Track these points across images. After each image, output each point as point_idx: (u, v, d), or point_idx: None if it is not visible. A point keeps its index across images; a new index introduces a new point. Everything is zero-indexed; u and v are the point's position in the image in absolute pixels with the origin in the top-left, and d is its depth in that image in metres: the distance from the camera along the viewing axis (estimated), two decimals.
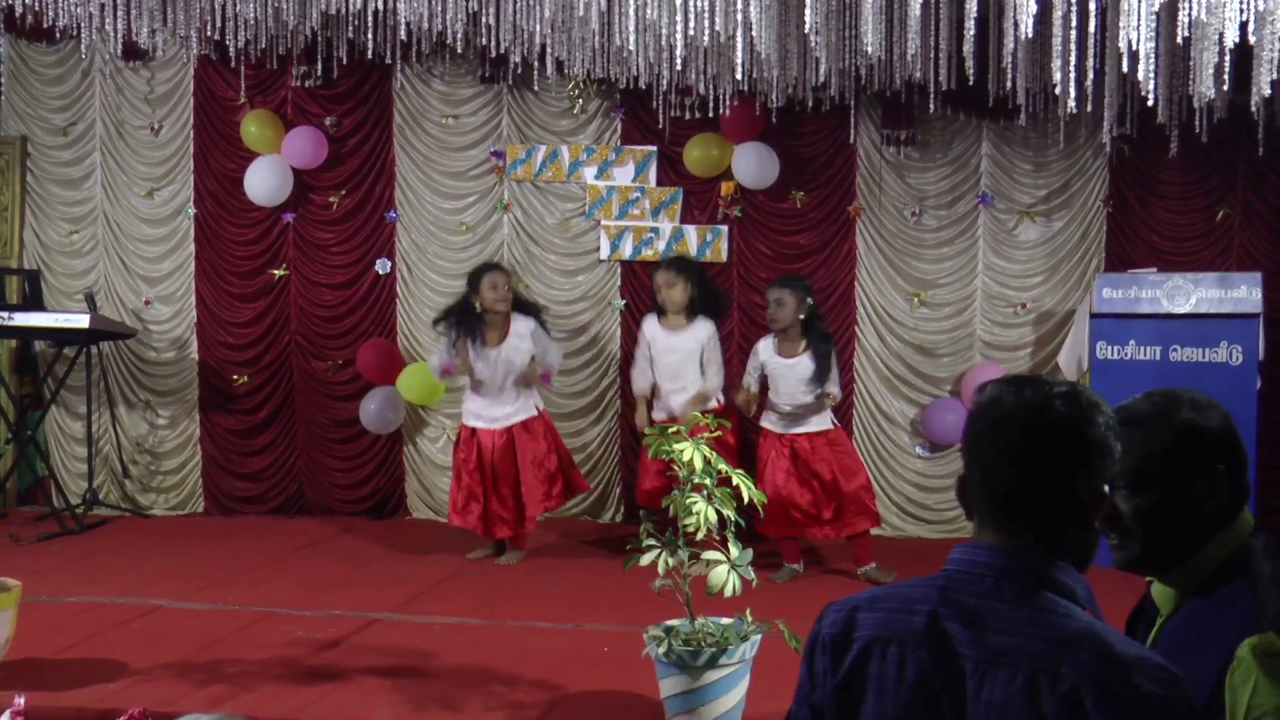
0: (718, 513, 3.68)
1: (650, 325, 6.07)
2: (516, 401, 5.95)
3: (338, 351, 7.16)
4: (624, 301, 7.03)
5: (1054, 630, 1.46)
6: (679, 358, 5.95)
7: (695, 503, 3.65)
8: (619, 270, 7.03)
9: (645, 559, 3.75)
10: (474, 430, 6.02)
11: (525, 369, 5.91)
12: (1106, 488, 1.55)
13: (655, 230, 6.92)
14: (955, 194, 6.75)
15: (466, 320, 5.91)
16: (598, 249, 6.97)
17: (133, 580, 5.70)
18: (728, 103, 5.81)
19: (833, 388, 5.60)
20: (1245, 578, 1.76)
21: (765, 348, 5.75)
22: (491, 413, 5.97)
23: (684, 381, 5.93)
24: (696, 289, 5.97)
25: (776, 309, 5.63)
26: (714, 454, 3.82)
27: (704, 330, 5.99)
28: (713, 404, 5.95)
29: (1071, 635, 1.46)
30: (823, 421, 5.63)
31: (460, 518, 6.00)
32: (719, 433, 4.43)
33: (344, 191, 7.14)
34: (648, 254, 6.92)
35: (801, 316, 5.60)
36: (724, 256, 6.87)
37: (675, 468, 3.76)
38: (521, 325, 5.93)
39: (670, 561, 3.71)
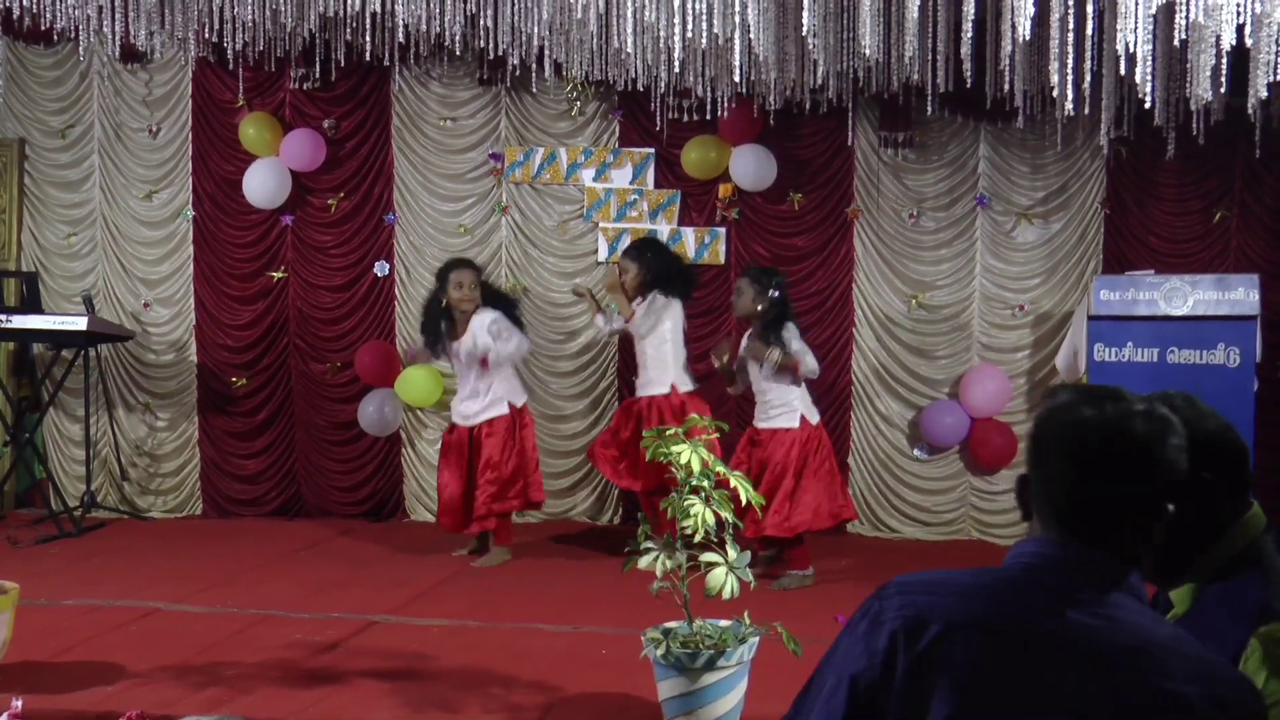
0: (715, 515, 3.67)
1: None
2: (485, 398, 5.94)
3: (336, 354, 7.17)
4: None
5: (1137, 633, 1.48)
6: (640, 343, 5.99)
7: (693, 505, 3.65)
8: (617, 272, 7.01)
9: (643, 561, 3.74)
10: (453, 426, 6.10)
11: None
12: (1170, 506, 1.57)
13: (653, 232, 6.90)
14: (953, 196, 6.75)
15: (433, 317, 5.97)
16: (596, 251, 6.97)
17: (131, 583, 5.69)
18: (726, 105, 5.80)
19: (789, 352, 5.45)
20: (1257, 570, 1.79)
21: (746, 338, 5.76)
22: (462, 409, 6.03)
23: (643, 360, 5.95)
24: (649, 270, 5.92)
25: (736, 298, 5.70)
26: (712, 456, 3.81)
27: (657, 303, 5.91)
28: (669, 384, 5.89)
29: (1157, 639, 1.47)
30: (789, 419, 5.54)
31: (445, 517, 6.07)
32: (716, 434, 4.39)
33: (342, 194, 7.14)
34: None
35: (760, 308, 5.55)
36: (722, 259, 6.87)
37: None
38: (480, 320, 5.90)
39: (668, 564, 3.71)
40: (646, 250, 6.06)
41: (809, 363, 5.51)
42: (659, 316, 5.92)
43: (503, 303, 6.09)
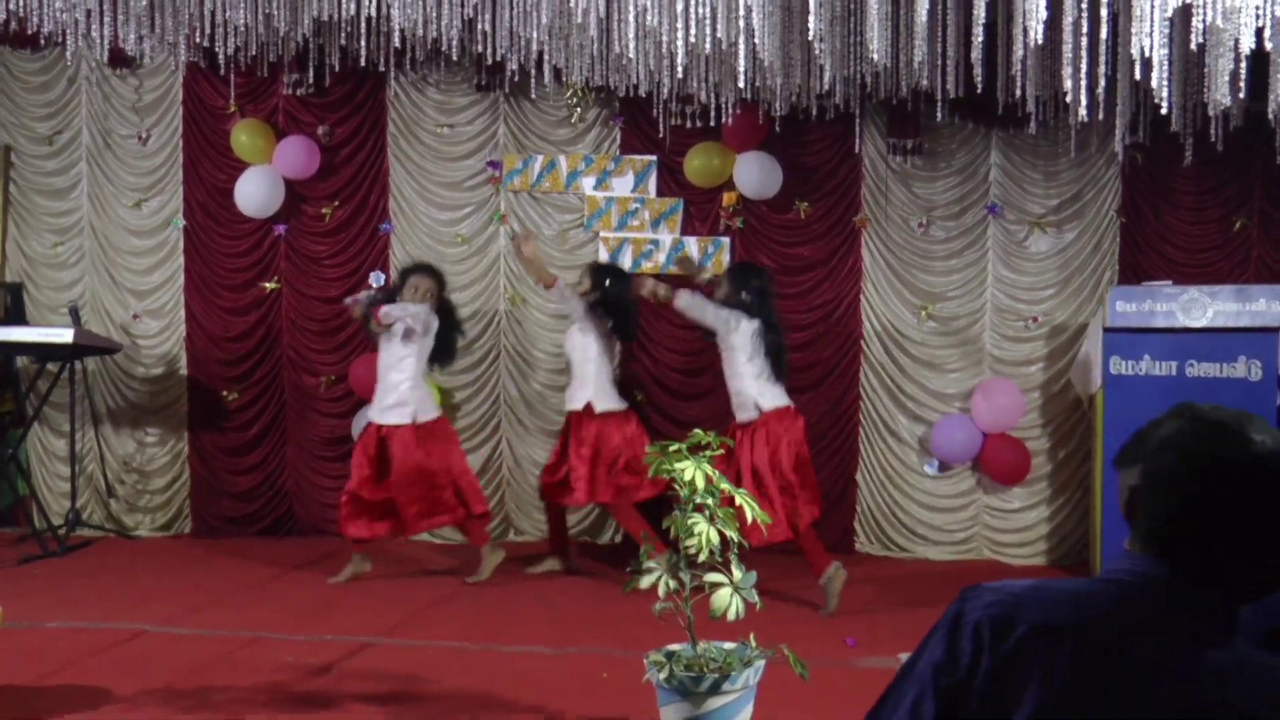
0: (720, 534, 3.65)
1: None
2: (393, 395, 5.97)
3: (330, 367, 7.16)
4: None
5: (1236, 655, 1.48)
6: (578, 355, 6.07)
7: (697, 524, 3.63)
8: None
9: (645, 581, 3.73)
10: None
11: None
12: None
13: (655, 242, 6.93)
14: (964, 204, 6.77)
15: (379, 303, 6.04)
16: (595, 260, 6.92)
17: (117, 604, 5.68)
18: (729, 111, 5.83)
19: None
20: None
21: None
22: (377, 402, 6.05)
23: (579, 375, 6.03)
24: (602, 293, 6.04)
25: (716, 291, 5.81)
26: (716, 473, 3.79)
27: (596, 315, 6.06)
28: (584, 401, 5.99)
29: (1258, 661, 1.48)
30: (745, 413, 5.58)
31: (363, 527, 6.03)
32: (721, 450, 4.40)
33: (337, 202, 7.15)
34: (647, 266, 6.91)
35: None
36: (725, 269, 6.84)
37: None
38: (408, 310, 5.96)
39: (671, 584, 3.69)
40: (614, 275, 6.16)
41: (684, 296, 5.61)
42: (595, 332, 6.03)
43: (448, 318, 6.15)
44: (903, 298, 6.82)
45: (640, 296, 5.93)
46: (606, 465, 5.93)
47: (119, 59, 6.95)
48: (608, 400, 6.03)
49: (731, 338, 5.60)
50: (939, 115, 5.60)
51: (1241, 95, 4.26)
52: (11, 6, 5.26)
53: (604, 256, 6.96)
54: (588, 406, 5.99)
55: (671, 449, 3.83)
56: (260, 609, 5.63)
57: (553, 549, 6.33)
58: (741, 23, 4.28)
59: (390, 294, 6.12)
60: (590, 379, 6.03)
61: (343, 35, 5.78)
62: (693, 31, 4.28)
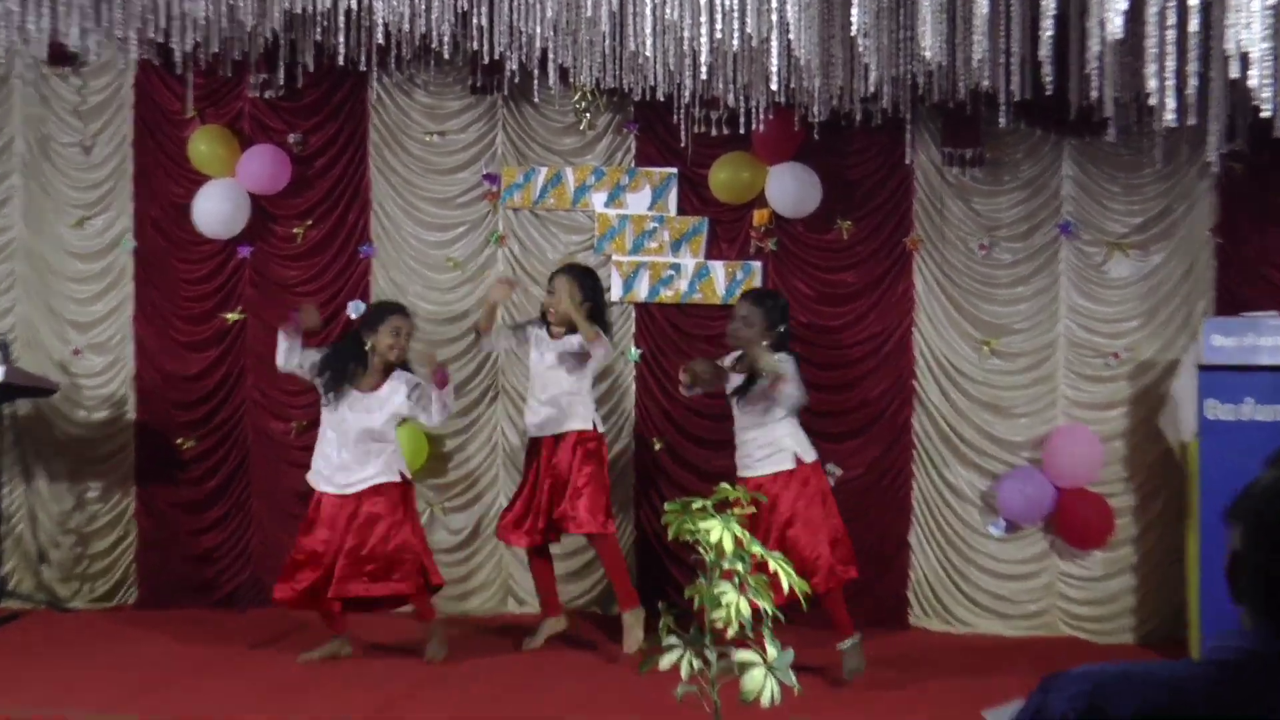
0: (752, 605, 3.62)
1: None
2: (377, 461, 5.98)
3: (302, 410, 7.05)
4: (640, 351, 7.04)
5: None
6: (549, 367, 6.16)
7: (725, 593, 3.60)
8: (633, 314, 7.04)
9: (665, 661, 3.69)
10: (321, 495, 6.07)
11: (421, 369, 6.06)
12: None
13: (676, 267, 6.93)
14: (1032, 223, 6.75)
15: (345, 357, 5.99)
16: (608, 290, 6.88)
17: (48, 687, 5.63)
18: (761, 117, 5.83)
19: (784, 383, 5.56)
20: None
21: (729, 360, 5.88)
22: (338, 478, 6.01)
23: (551, 393, 6.13)
24: (588, 299, 6.12)
25: (742, 326, 5.74)
26: (747, 535, 3.76)
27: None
28: (577, 425, 6.13)
29: None
30: (781, 460, 5.68)
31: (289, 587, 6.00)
32: (753, 508, 4.38)
33: (310, 221, 7.15)
34: (667, 295, 6.95)
35: (766, 344, 5.66)
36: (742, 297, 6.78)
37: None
38: (399, 380, 6.00)
39: (696, 664, 3.65)
40: (588, 278, 6.24)
41: (789, 389, 5.56)
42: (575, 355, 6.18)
43: (408, 368, 6.17)
44: (961, 330, 6.80)
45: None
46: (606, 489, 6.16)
47: (59, 56, 6.91)
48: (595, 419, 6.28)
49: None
50: (1002, 120, 5.58)
51: None
52: None
53: (617, 281, 6.98)
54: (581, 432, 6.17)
55: (695, 506, 3.79)
56: (216, 691, 5.58)
57: (546, 610, 6.34)
58: (774, 16, 4.28)
59: (356, 336, 6.06)
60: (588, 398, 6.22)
61: (318, 30, 5.74)
62: (718, 26, 4.30)
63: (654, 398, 7.00)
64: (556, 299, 6.09)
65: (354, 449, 5.95)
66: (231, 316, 7.21)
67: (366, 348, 5.97)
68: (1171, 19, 3.86)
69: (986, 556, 6.80)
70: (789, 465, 5.68)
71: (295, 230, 7.15)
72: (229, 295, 7.23)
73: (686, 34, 4.43)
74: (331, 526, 5.95)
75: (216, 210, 7.01)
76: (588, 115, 7.00)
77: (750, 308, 5.76)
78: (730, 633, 3.61)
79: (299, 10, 5.33)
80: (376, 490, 5.96)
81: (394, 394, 5.97)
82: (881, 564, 6.69)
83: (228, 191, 7.03)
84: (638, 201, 6.96)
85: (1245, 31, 3.63)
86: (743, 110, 5.79)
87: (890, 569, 6.81)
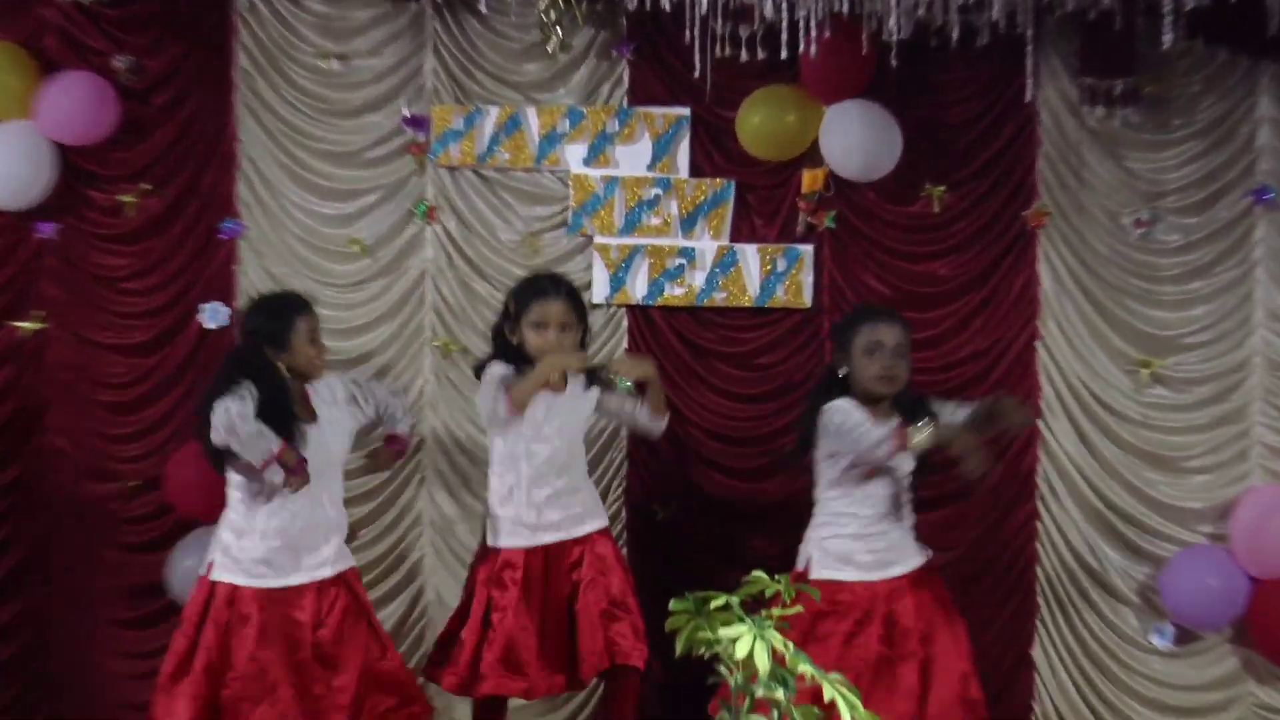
0: None
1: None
2: (339, 534, 5.66)
3: (131, 464, 6.62)
4: (631, 383, 6.67)
5: None
6: (565, 441, 5.79)
7: None
8: (624, 321, 6.63)
9: None
10: (267, 594, 5.49)
11: (368, 457, 5.87)
12: None
13: (688, 253, 6.46)
14: (1212, 188, 6.38)
15: (275, 391, 5.49)
16: (589, 285, 6.50)
17: None
18: (814, 33, 5.49)
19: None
20: None
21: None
22: (303, 558, 5.54)
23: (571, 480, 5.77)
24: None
25: (895, 361, 5.42)
26: (788, 645, 3.30)
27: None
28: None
29: None
30: (919, 549, 5.51)
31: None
32: (797, 607, 3.82)
33: (147, 185, 6.60)
34: (676, 294, 6.49)
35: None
36: (806, 298, 6.43)
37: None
38: (327, 390, 5.68)
39: None
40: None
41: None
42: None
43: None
44: (1108, 345, 6.43)
45: None
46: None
47: None
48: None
49: None
50: (1167, 37, 5.18)
51: None
52: None
53: (601, 274, 6.51)
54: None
55: (713, 604, 3.35)
56: None
57: None
58: None
59: (257, 357, 5.50)
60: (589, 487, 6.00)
61: None
62: None
63: (653, 447, 6.51)
64: (580, 343, 5.72)
65: (312, 514, 5.62)
66: (25, 325, 6.61)
67: (279, 372, 5.49)
68: None
69: (1146, 680, 6.43)
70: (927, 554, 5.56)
71: (124, 199, 6.61)
72: (21, 293, 6.67)
73: None
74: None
75: (4, 168, 6.53)
76: (559, 30, 6.49)
77: (897, 330, 5.43)
78: None
79: None
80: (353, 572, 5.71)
81: (333, 409, 5.61)
82: (994, 687, 6.17)
83: (20, 141, 6.54)
84: (632, 157, 6.51)
85: None
86: (785, 25, 5.50)
87: (1007, 693, 6.45)
